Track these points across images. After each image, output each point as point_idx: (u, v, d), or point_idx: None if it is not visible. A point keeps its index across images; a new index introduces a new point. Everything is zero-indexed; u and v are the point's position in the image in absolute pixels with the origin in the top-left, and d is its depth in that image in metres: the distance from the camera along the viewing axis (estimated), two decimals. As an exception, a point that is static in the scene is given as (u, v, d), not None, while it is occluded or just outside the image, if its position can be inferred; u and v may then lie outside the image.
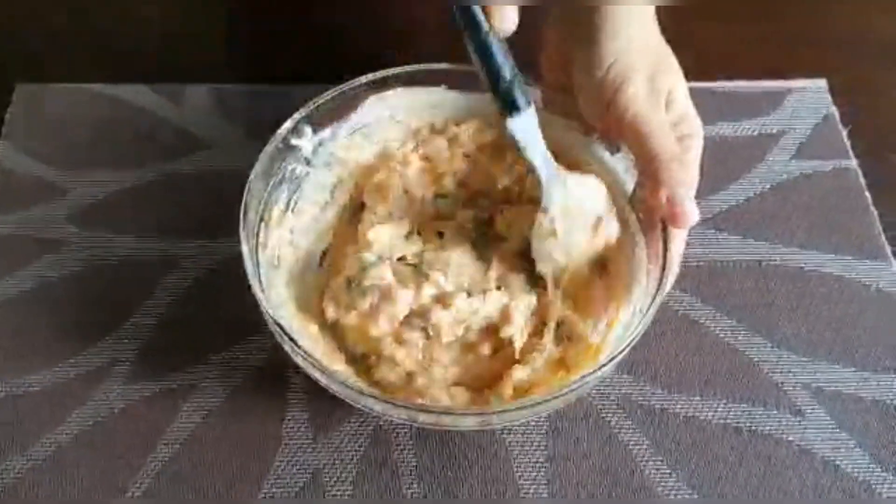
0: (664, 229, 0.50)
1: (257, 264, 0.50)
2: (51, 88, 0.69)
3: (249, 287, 0.48)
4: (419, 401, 0.50)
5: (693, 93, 0.53)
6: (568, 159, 0.55)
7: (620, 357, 0.47)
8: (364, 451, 0.54)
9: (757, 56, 0.72)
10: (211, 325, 0.58)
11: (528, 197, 0.56)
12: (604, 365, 0.47)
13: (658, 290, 0.49)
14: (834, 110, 0.69)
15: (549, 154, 0.51)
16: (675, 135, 0.50)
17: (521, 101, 0.49)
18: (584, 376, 0.47)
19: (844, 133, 0.67)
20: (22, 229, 0.62)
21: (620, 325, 0.51)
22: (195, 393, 0.55)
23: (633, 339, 0.47)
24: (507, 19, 0.48)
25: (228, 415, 0.55)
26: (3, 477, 0.52)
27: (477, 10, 0.47)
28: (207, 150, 0.66)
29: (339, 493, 0.52)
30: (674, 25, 0.54)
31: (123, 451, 0.53)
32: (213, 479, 0.52)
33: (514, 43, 0.49)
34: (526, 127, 0.50)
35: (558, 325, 0.53)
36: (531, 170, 0.51)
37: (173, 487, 0.52)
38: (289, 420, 0.54)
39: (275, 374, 0.56)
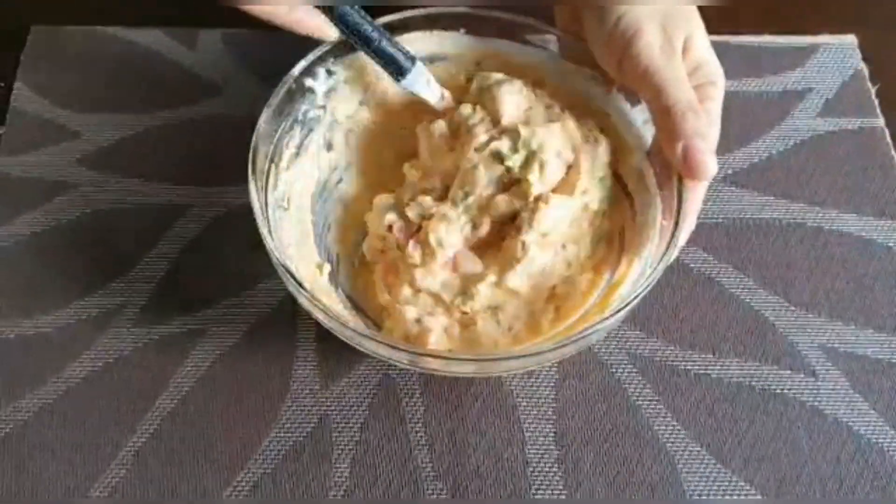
0: (679, 183, 0.48)
1: (266, 206, 0.49)
2: (66, 31, 0.68)
3: (259, 232, 0.48)
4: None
5: (717, 47, 0.51)
6: (589, 111, 0.54)
7: (625, 311, 0.46)
8: (371, 398, 0.54)
9: (783, 16, 0.69)
10: (221, 271, 0.57)
11: None
12: (607, 318, 0.46)
13: (669, 245, 0.48)
14: (863, 67, 0.67)
15: (447, 93, 0.54)
16: (693, 83, 0.49)
17: (403, 61, 0.52)
18: (586, 328, 0.46)
19: (873, 91, 0.66)
20: (34, 171, 0.61)
21: (629, 281, 0.50)
22: (204, 338, 0.55)
23: (640, 293, 0.46)
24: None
25: (237, 360, 0.55)
26: (13, 417, 0.52)
27: None
28: (221, 95, 0.65)
29: (345, 439, 0.52)
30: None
31: (132, 393, 0.53)
32: (221, 424, 0.53)
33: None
34: (416, 80, 0.53)
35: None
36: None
37: (181, 431, 0.52)
38: (297, 366, 0.54)
39: (284, 321, 0.56)
